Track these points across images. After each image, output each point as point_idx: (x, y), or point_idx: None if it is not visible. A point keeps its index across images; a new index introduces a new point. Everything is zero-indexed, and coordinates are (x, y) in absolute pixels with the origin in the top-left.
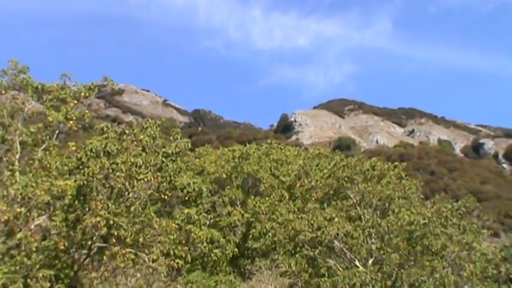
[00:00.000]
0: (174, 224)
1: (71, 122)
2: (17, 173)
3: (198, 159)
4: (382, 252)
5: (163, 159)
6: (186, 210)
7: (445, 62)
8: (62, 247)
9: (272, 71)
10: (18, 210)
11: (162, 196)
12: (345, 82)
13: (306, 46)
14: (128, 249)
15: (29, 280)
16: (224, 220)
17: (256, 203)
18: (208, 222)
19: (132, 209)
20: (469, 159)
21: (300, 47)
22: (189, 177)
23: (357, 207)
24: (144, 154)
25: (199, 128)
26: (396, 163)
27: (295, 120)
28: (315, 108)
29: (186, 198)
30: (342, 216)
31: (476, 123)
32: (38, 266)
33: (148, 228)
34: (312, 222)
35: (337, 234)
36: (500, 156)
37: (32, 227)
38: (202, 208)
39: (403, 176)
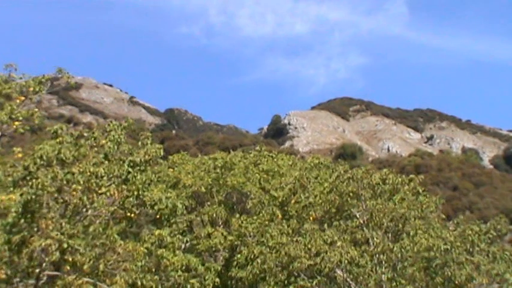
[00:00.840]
0: (142, 248)
1: (17, 123)
2: None
3: (171, 169)
4: (394, 283)
5: (130, 169)
6: (156, 231)
7: (472, 54)
8: (3, 276)
9: (262, 64)
10: None
11: (128, 214)
12: (350, 77)
13: (304, 33)
14: (85, 279)
15: None
16: (203, 243)
17: (242, 222)
18: (183, 246)
19: (90, 229)
20: (500, 172)
21: (296, 34)
22: (161, 191)
23: (364, 228)
24: (106, 163)
25: (174, 131)
26: (412, 176)
27: (289, 123)
28: (313, 108)
29: (157, 216)
30: (346, 239)
31: (509, 128)
32: None
33: (111, 253)
34: (310, 246)
35: (340, 261)
36: None
37: None
38: (177, 228)
39: (420, 191)
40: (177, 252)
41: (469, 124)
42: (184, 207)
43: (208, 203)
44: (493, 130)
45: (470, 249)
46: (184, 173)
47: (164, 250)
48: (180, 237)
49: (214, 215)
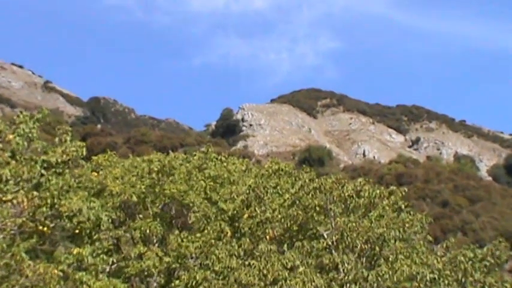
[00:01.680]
0: (56, 271)
1: None
2: None
3: (96, 173)
4: None
5: (43, 171)
6: (75, 250)
7: (468, 40)
8: None
9: (212, 45)
10: None
11: (40, 227)
12: (320, 65)
13: (264, 9)
14: None
15: None
16: (133, 266)
17: (182, 240)
18: (108, 269)
19: None
20: (500, 185)
21: (254, 10)
22: (82, 200)
23: (333, 251)
24: (13, 163)
25: (99, 126)
26: (392, 188)
27: (243, 119)
28: (273, 101)
29: (77, 231)
30: (310, 264)
31: None
32: None
33: (17, 276)
34: (265, 272)
35: None
36: None
37: None
38: (101, 247)
39: (403, 207)
40: (100, 276)
41: (463, 125)
42: (110, 220)
43: (141, 215)
44: (492, 133)
45: (462, 280)
46: (111, 178)
47: (84, 273)
48: (105, 257)
49: (148, 231)
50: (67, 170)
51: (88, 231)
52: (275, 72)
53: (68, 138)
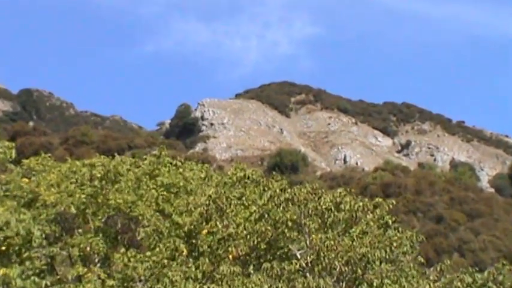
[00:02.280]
0: None
1: None
2: None
3: (27, 179)
4: None
5: None
6: (1, 271)
7: (470, 27)
8: None
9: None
10: None
11: None
12: (295, 54)
13: None
14: None
15: None
16: None
17: (128, 260)
18: None
19: None
20: (504, 197)
21: None
22: (10, 211)
23: (308, 274)
24: None
25: (31, 123)
26: (378, 200)
27: (202, 117)
28: (239, 96)
29: (3, 248)
30: None
31: None
32: None
33: None
34: None
35: None
36: None
37: None
38: (32, 267)
39: (390, 222)
40: None
41: (462, 127)
42: (43, 235)
43: (80, 230)
44: (495, 137)
45: None
46: (45, 186)
47: None
48: (37, 279)
49: (88, 249)
50: None
51: (17, 248)
52: (242, 62)
53: None
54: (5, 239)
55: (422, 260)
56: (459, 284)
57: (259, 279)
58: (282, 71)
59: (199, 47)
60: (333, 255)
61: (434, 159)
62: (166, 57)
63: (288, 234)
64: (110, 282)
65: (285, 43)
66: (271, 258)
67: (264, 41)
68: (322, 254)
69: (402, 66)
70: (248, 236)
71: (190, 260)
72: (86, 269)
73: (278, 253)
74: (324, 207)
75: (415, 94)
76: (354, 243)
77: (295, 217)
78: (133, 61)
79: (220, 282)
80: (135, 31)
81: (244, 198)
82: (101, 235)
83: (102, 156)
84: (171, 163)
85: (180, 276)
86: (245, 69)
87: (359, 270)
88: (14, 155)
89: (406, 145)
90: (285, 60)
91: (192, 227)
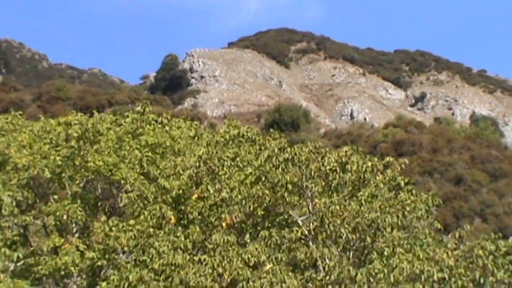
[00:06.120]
0: None
1: None
2: None
3: None
4: None
5: None
6: None
7: None
8: None
9: None
10: None
11: None
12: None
13: None
14: None
15: None
16: (46, 263)
17: (110, 230)
18: (13, 267)
19: None
20: None
21: None
22: None
23: (310, 243)
24: None
25: (0, 78)
26: (389, 159)
27: (192, 69)
28: (232, 45)
29: None
30: (280, 260)
31: None
32: None
33: None
34: (221, 271)
35: None
36: None
37: None
38: (3, 238)
39: (402, 184)
40: (2, 277)
41: (483, 77)
42: (15, 202)
43: (56, 196)
44: None
45: (481, 280)
46: (16, 147)
47: None
48: (8, 252)
49: (65, 217)
50: None
51: None
52: (239, 9)
53: None
54: None
55: (439, 226)
56: (480, 252)
57: (256, 249)
58: (283, 18)
59: None
60: (339, 222)
61: (453, 113)
62: (151, 3)
63: (288, 199)
64: (90, 254)
65: None
66: (270, 225)
67: None
68: (326, 220)
69: (415, 10)
70: (243, 201)
71: (179, 228)
72: (62, 240)
73: (277, 220)
74: (328, 168)
75: (430, 41)
76: (362, 207)
77: (295, 179)
78: (114, 8)
79: (212, 253)
80: None
81: (238, 159)
82: (79, 202)
83: (80, 114)
84: (156, 121)
85: (168, 246)
86: (242, 17)
87: (368, 238)
88: None
89: (421, 98)
90: (287, 6)
91: (181, 191)
